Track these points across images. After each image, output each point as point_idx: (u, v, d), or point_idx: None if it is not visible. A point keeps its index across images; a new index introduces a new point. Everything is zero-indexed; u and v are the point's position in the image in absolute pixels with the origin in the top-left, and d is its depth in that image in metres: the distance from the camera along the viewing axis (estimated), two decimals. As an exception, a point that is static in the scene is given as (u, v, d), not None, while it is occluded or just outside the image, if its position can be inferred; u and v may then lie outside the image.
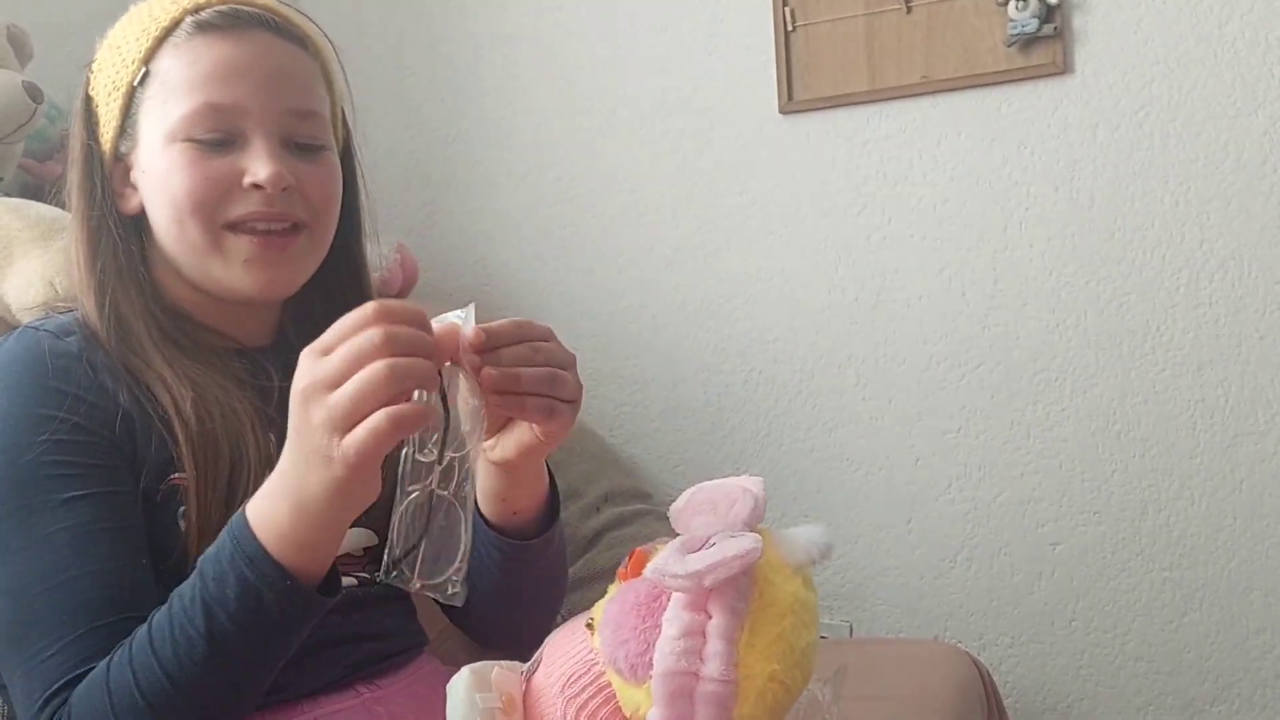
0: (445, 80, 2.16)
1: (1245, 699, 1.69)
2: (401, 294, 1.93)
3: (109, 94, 0.88)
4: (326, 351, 0.65)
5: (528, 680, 0.78)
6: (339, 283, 0.96)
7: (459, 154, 2.15)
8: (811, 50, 1.87)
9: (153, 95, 0.86)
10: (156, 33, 0.86)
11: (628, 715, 0.72)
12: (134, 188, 0.89)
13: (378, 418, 0.62)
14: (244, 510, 0.71)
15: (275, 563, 0.67)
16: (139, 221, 0.90)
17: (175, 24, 0.86)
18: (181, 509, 0.80)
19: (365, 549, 0.93)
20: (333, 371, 0.64)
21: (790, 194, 1.91)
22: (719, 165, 1.96)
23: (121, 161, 0.89)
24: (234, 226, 0.86)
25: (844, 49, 1.85)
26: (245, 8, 0.88)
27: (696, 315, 1.99)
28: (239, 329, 0.92)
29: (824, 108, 1.87)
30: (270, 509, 0.69)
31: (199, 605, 0.68)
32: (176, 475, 0.81)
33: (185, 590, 0.71)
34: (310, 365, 0.65)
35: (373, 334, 0.63)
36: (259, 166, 0.84)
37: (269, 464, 0.83)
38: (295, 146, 0.88)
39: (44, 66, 1.54)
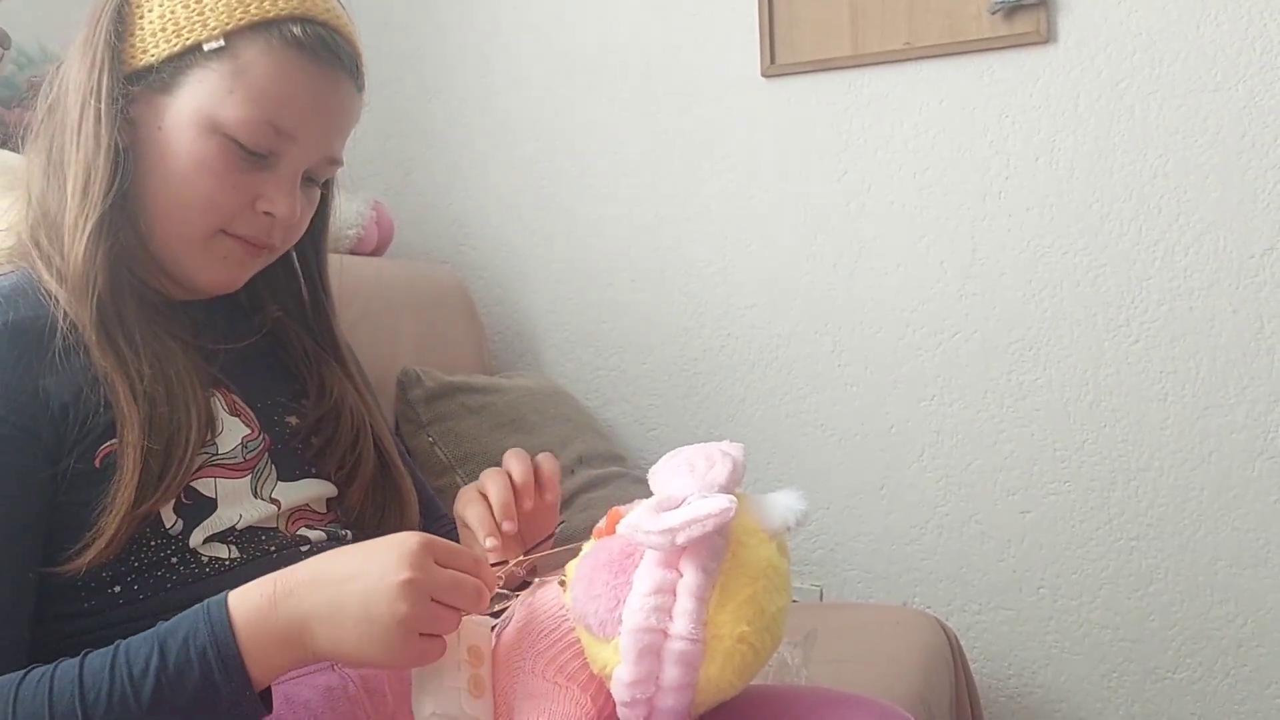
0: (426, 36, 2.13)
1: (1207, 667, 1.72)
2: (376, 252, 1.91)
3: (164, 28, 0.83)
4: (441, 562, 0.71)
5: (498, 634, 0.78)
6: None
7: (438, 111, 2.13)
8: (795, 14, 1.86)
9: (220, 73, 0.82)
10: (255, 14, 0.82)
11: (595, 672, 0.72)
12: (131, 123, 0.83)
13: (435, 642, 0.71)
14: (226, 606, 0.69)
15: (248, 676, 0.68)
16: (125, 160, 0.83)
17: (276, 20, 0.83)
18: (116, 477, 0.77)
19: (328, 500, 0.93)
20: (442, 588, 0.70)
21: (771, 158, 1.90)
22: (700, 128, 1.95)
23: (131, 88, 0.83)
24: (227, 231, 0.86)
25: (827, 13, 1.83)
26: (342, 41, 0.87)
27: (674, 279, 1.98)
28: (179, 288, 0.90)
29: (806, 72, 1.86)
30: (267, 628, 0.69)
31: (151, 679, 0.67)
32: (111, 443, 0.78)
33: (134, 653, 0.68)
34: (425, 565, 0.70)
35: (479, 588, 0.72)
36: (278, 199, 0.85)
37: (209, 426, 0.84)
38: (306, 180, 0.89)
39: (10, 12, 1.50)
